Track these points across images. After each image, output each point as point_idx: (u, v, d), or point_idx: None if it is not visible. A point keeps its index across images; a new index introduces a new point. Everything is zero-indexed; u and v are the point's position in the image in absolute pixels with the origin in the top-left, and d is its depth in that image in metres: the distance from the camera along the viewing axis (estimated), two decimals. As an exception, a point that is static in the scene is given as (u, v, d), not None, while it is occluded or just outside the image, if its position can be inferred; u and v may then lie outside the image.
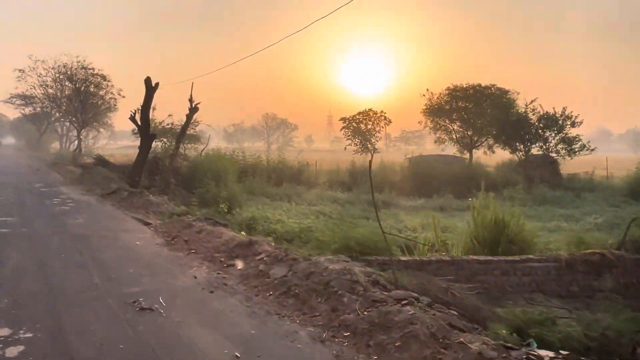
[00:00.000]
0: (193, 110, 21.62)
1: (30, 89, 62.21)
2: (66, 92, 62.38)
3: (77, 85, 38.42)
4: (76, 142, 77.63)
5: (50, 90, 62.58)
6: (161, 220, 13.10)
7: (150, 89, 19.63)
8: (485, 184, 28.35)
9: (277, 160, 28.27)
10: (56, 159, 46.38)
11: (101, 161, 24.72)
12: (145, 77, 19.55)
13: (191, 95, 21.59)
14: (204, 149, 28.31)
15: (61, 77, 58.67)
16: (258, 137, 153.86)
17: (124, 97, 39.25)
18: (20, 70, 58.47)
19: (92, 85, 38.45)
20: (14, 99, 65.10)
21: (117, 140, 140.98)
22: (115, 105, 39.15)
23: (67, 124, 68.67)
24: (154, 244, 9.91)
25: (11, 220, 11.95)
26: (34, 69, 58.30)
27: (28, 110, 67.45)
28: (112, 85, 38.68)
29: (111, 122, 40.72)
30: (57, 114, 65.19)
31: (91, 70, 37.75)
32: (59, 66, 57.87)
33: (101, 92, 38.77)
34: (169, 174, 20.38)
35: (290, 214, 17.19)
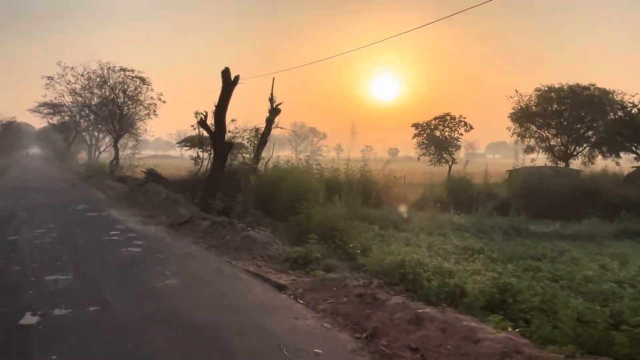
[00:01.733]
0: (274, 111, 16.99)
1: (59, 96, 59.40)
2: (95, 100, 59.37)
3: (114, 89, 34.24)
4: (104, 152, 74.34)
5: (79, 98, 59.75)
6: (293, 277, 8.39)
7: (229, 83, 15.04)
8: (619, 203, 23.26)
9: (358, 173, 23.37)
10: (89, 170, 42.35)
11: (153, 175, 20.22)
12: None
13: (272, 94, 16.97)
14: (268, 160, 23.63)
15: (90, 84, 55.78)
16: (283, 145, 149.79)
17: (164, 102, 35.03)
18: (48, 78, 55.32)
19: (130, 89, 34.30)
20: (42, 108, 62.14)
21: (141, 149, 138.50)
22: (155, 111, 34.95)
23: (96, 133, 65.27)
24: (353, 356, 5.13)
25: (66, 284, 7.32)
26: (62, 76, 54.81)
27: (56, 119, 64.44)
28: (152, 89, 34.47)
29: (150, 129, 36.01)
30: (86, 123, 61.82)
31: (130, 72, 33.60)
32: (88, 73, 54.79)
33: (140, 97, 34.60)
34: (249, 194, 15.68)
35: (433, 252, 12.32)
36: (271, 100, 17.19)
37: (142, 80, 33.84)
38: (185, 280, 7.71)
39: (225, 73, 15.01)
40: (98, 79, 52.45)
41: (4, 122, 64.98)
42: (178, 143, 32.29)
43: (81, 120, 61.58)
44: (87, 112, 59.14)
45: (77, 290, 6.99)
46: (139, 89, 34.33)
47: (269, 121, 17.22)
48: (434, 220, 18.09)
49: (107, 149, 74.96)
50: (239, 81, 15.17)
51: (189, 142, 32.04)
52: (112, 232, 11.84)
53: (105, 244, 10.40)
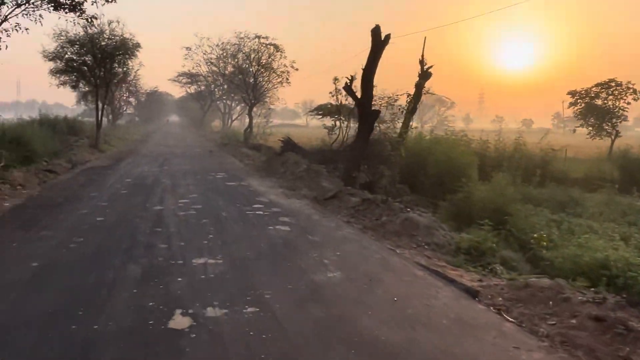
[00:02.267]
0: (425, 75, 15.00)
1: (196, 66, 62.09)
2: (229, 69, 61.17)
3: (248, 56, 34.21)
4: (236, 120, 77.29)
5: (214, 68, 61.92)
6: (478, 277, 6.66)
7: (379, 43, 13.35)
8: None
9: (510, 145, 20.57)
10: (223, 138, 43.63)
11: (290, 145, 19.38)
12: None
13: (423, 55, 14.97)
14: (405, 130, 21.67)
15: (225, 53, 57.31)
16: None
17: (297, 69, 34.36)
18: (187, 48, 57.97)
19: (264, 56, 34.05)
20: (181, 77, 65.66)
21: (275, 118, 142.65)
22: (287, 79, 34.46)
23: (229, 102, 67.69)
24: None
25: (216, 271, 6.30)
26: (199, 46, 56.85)
27: (193, 88, 67.87)
28: (285, 56, 33.92)
29: (282, 98, 35.69)
30: (220, 92, 64.23)
31: (264, 40, 33.28)
32: (222, 43, 56.29)
33: (273, 65, 34.24)
34: (396, 167, 14.01)
35: (632, 246, 9.76)
36: (422, 62, 15.20)
37: (276, 47, 33.45)
38: (350, 274, 6.32)
39: (376, 31, 13.32)
40: (232, 49, 54.11)
41: (148, 91, 69.59)
42: (310, 112, 31.56)
43: (216, 90, 64.17)
44: (222, 81, 61.69)
45: (230, 280, 5.90)
46: (272, 57, 34.02)
47: (419, 86, 15.27)
48: (612, 203, 15.08)
49: (239, 117, 78.06)
50: (390, 41, 13.38)
51: (322, 110, 31.20)
52: (256, 206, 10.92)
53: (250, 220, 9.44)
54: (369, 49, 13.63)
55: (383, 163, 15.53)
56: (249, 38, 33.66)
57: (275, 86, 35.28)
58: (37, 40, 24.44)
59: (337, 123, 29.13)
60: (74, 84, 25.74)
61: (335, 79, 20.32)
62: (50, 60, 24.46)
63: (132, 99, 62.44)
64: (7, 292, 5.32)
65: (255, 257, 6.91)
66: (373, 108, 14.29)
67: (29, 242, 7.44)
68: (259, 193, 12.74)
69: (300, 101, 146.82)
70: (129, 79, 48.38)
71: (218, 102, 69.04)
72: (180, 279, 5.85)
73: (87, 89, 26.91)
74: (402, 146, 12.83)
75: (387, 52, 13.79)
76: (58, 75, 25.11)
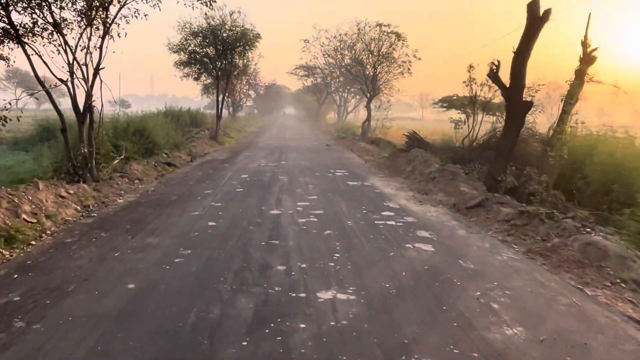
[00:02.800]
0: (589, 60, 12.26)
1: (313, 59, 61.88)
2: (345, 61, 60.07)
3: (367, 45, 32.58)
4: (351, 113, 76.34)
5: (331, 60, 61.25)
6: None
7: (536, 20, 10.95)
8: None
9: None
10: (339, 131, 42.61)
11: (416, 140, 17.44)
12: None
13: (586, 37, 12.25)
14: (554, 123, 18.66)
15: (342, 45, 56.25)
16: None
17: (419, 59, 32.07)
18: (305, 41, 57.93)
19: (385, 45, 32.16)
20: (298, 70, 66.02)
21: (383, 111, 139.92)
22: (409, 69, 32.29)
23: (345, 94, 66.82)
24: None
25: (348, 315, 4.75)
26: (317, 38, 56.31)
27: (310, 80, 67.96)
28: (407, 45, 31.76)
29: (403, 89, 33.64)
30: (336, 85, 63.54)
31: (385, 28, 31.37)
32: (340, 34, 55.23)
33: (395, 54, 32.26)
34: (550, 170, 11.48)
35: None
36: (584, 44, 12.46)
37: (398, 35, 31.40)
38: (538, 333, 4.39)
39: (532, 6, 10.94)
40: (350, 40, 52.95)
41: (266, 84, 70.95)
42: (434, 103, 29.19)
43: (332, 82, 63.60)
44: (338, 73, 60.88)
45: (369, 334, 4.27)
46: (393, 46, 32.03)
47: (580, 73, 12.53)
48: None
49: (354, 110, 77.05)
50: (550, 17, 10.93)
51: (447, 102, 28.73)
52: (385, 213, 9.24)
53: (382, 233, 7.78)
54: (511, 32, 11.26)
55: (529, 164, 13.07)
56: (369, 26, 31.96)
57: (395, 77, 33.27)
58: (167, 37, 24.97)
59: (464, 117, 26.66)
60: (196, 75, 25.96)
61: (471, 67, 17.98)
62: (174, 52, 24.78)
63: (251, 92, 63.80)
64: (89, 330, 4.16)
65: (397, 294, 5.23)
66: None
67: (132, 251, 6.44)
68: (387, 196, 11.04)
69: (416, 93, 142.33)
70: (249, 71, 49.32)
71: (334, 95, 68.51)
72: (303, 326, 4.34)
73: (208, 81, 27.01)
74: (563, 145, 10.37)
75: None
76: (182, 67, 25.44)
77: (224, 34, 24.79)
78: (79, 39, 10.88)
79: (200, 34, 24.60)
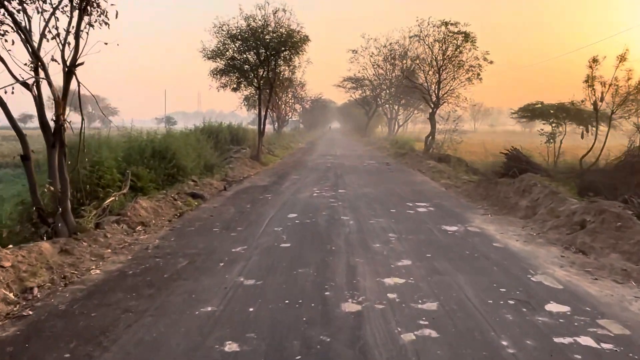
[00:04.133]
0: None
1: (362, 69, 58.05)
2: (396, 72, 55.74)
3: (431, 47, 28.26)
4: (403, 126, 71.57)
5: (381, 71, 57.21)
6: None
7: None
8: None
9: None
10: (394, 146, 38.27)
11: (520, 160, 12.97)
12: None
13: None
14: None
15: (392, 54, 52.11)
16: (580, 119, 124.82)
17: (491, 62, 27.48)
18: (353, 51, 54.00)
19: (450, 49, 27.74)
20: (345, 82, 62.22)
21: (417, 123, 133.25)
22: (479, 74, 27.71)
23: (396, 106, 62.50)
24: None
25: None
26: (366, 48, 52.33)
27: (358, 93, 63.98)
28: (477, 47, 27.24)
29: (470, 98, 28.93)
30: (386, 96, 59.37)
31: (452, 27, 26.96)
32: (390, 44, 51.07)
33: (462, 57, 27.77)
34: None
35: None
36: None
37: (466, 36, 26.97)
38: None
39: None
40: (400, 49, 48.68)
41: (313, 97, 67.54)
42: (514, 113, 24.55)
43: (382, 94, 59.49)
44: (389, 84, 56.64)
45: None
46: (460, 48, 27.59)
47: None
48: None
49: (405, 124, 72.36)
50: None
51: (530, 112, 24.13)
52: (551, 308, 4.98)
53: (541, 339, 3.54)
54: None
55: None
56: (434, 25, 27.63)
57: (463, 84, 28.67)
58: (201, 42, 21.47)
59: (555, 128, 22.07)
60: (235, 85, 22.32)
61: (594, 61, 13.46)
62: (209, 59, 21.27)
63: (297, 106, 60.40)
64: None
65: None
66: None
67: None
68: (524, 261, 6.73)
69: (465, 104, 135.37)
70: (295, 81, 45.81)
71: (384, 107, 64.40)
72: None
73: (248, 91, 23.34)
74: None
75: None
76: (218, 75, 21.85)
77: (267, 37, 21.15)
78: (48, 20, 7.25)
79: (239, 37, 21.04)
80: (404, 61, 49.88)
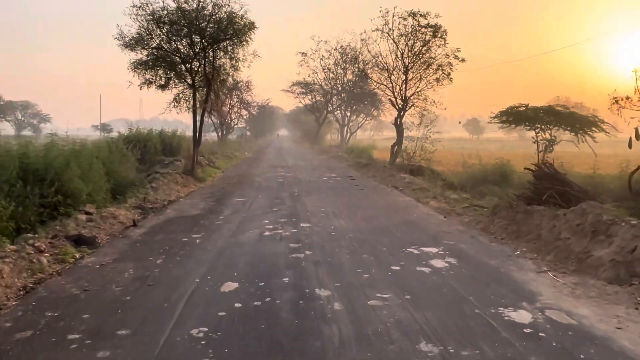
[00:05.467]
0: None
1: (312, 73, 54.40)
2: (347, 77, 52.29)
3: (396, 42, 24.60)
4: (354, 133, 68.08)
5: (332, 75, 53.68)
6: None
7: None
8: None
9: None
10: (350, 154, 34.54)
11: (551, 177, 9.27)
12: None
13: None
14: None
15: (344, 58, 48.72)
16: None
17: (463, 60, 24.21)
18: (302, 54, 49.99)
19: (417, 45, 24.25)
20: (294, 87, 58.18)
21: (383, 130, 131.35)
22: (449, 74, 24.31)
23: (348, 113, 59.12)
24: None
25: None
26: (316, 51, 48.88)
27: (307, 98, 60.04)
28: (446, 44, 23.88)
29: (440, 101, 25.34)
30: (338, 101, 55.96)
31: (422, 18, 23.43)
32: (342, 47, 47.66)
33: (431, 54, 24.30)
34: None
35: None
36: None
37: (435, 30, 23.56)
38: None
39: None
40: (352, 52, 45.18)
41: (260, 103, 63.10)
42: (494, 117, 21.26)
43: (333, 99, 56.01)
44: (340, 89, 53.10)
45: None
46: (428, 44, 24.14)
47: None
48: None
49: (356, 131, 68.84)
50: None
51: (512, 116, 20.96)
52: None
53: None
54: None
55: None
56: (400, 17, 23.98)
57: (431, 85, 25.15)
58: (117, 26, 16.76)
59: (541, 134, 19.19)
60: (162, 82, 17.72)
61: None
62: (127, 47, 16.57)
63: (243, 111, 55.72)
64: None
65: None
66: None
67: None
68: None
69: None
70: (240, 81, 41.27)
71: (335, 113, 60.85)
72: None
73: (180, 89, 18.70)
74: None
75: None
76: (140, 69, 17.20)
77: (202, 23, 16.78)
78: None
79: (167, 20, 16.54)
80: (356, 65, 46.77)
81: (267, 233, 8.76)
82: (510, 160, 20.19)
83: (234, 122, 52.43)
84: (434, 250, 7.51)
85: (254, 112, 63.69)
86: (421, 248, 7.62)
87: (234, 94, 43.73)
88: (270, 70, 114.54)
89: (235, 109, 50.16)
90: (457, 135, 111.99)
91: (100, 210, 10.36)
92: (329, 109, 58.47)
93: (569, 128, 19.58)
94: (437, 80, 25.17)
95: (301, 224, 9.54)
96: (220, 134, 43.39)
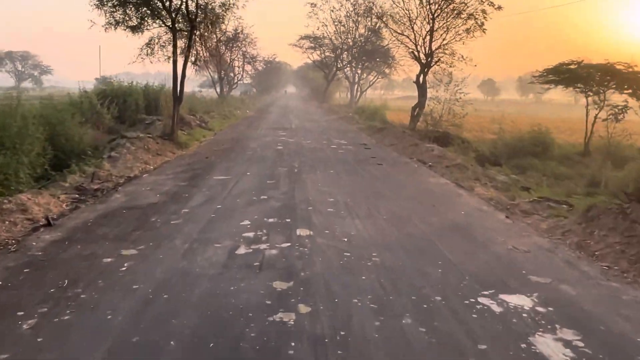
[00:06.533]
0: None
1: (322, 26, 50.20)
2: (360, 31, 48.08)
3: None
4: (365, 91, 63.45)
5: (342, 28, 49.52)
6: None
7: None
8: None
9: None
10: (361, 115, 30.92)
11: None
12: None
13: None
14: None
15: (356, 9, 44.59)
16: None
17: (498, 7, 20.31)
18: (311, 5, 45.39)
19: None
20: (303, 41, 53.89)
21: (391, 89, 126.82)
22: (482, 24, 20.45)
23: (359, 70, 54.96)
24: None
25: None
26: (326, 1, 44.98)
27: (316, 54, 55.74)
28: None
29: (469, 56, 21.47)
30: (348, 57, 51.85)
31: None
32: (354, -2, 43.46)
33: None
34: None
35: None
36: None
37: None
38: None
39: None
40: (365, 3, 40.97)
41: (266, 58, 58.84)
42: (537, 77, 17.64)
43: (344, 54, 51.92)
44: (351, 44, 48.90)
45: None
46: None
47: None
48: None
49: (366, 90, 64.47)
50: None
51: (562, 74, 17.48)
52: None
53: None
54: None
55: None
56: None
57: (460, 36, 21.32)
58: None
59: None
60: (135, 23, 14.15)
61: None
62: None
63: (248, 67, 51.60)
64: None
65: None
66: None
67: None
68: None
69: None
70: (239, 34, 37.51)
71: (345, 70, 56.59)
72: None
73: (156, 32, 15.05)
74: None
75: None
76: (109, 7, 13.63)
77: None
78: None
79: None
80: (369, 18, 42.70)
81: (241, 250, 5.50)
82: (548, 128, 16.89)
83: (237, 78, 48.68)
84: (525, 303, 4.27)
85: (260, 68, 59.49)
86: (501, 296, 4.38)
87: (234, 45, 39.78)
88: (278, 24, 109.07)
89: (238, 63, 46.35)
90: (471, 97, 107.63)
91: (16, 194, 7.18)
92: (339, 66, 54.45)
93: (630, 91, 16.17)
94: (467, 31, 21.31)
95: (297, 231, 6.27)
96: (219, 90, 39.70)
